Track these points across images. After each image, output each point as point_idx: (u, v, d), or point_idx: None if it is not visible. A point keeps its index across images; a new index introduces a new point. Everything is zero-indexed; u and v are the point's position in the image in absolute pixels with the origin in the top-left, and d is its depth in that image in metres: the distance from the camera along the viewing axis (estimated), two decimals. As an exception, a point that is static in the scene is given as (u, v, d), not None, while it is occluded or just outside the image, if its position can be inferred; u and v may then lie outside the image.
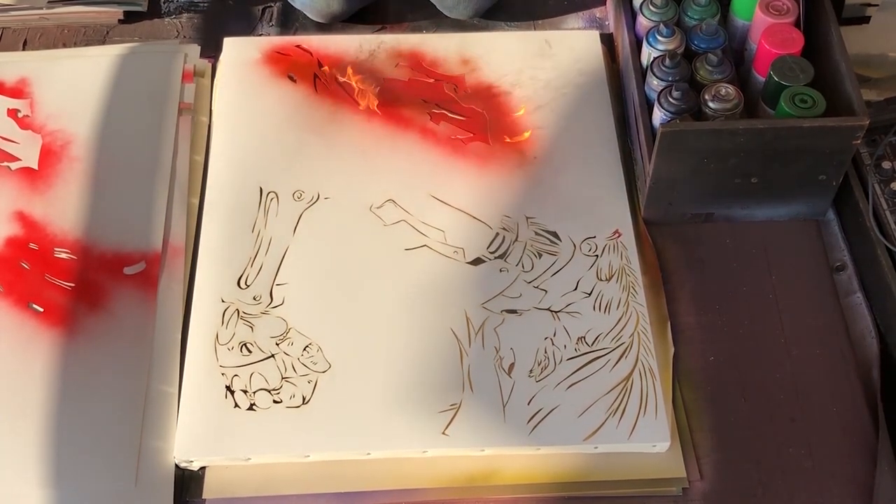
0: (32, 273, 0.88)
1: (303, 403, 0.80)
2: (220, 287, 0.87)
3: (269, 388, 0.81)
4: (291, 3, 1.07)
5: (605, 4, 1.09)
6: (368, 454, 0.79)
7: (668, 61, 0.88)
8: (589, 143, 0.95)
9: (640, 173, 0.92)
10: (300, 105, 0.98)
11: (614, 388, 0.81)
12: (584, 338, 0.84)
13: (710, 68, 0.88)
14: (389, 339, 0.84)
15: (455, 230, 0.90)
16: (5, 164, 0.94)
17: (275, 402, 0.80)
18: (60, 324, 0.85)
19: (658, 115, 0.88)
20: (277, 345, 0.83)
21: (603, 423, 0.79)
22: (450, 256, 0.88)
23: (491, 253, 0.89)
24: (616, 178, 0.93)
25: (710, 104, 0.86)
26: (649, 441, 0.79)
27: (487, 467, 0.79)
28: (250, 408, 0.80)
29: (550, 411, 0.80)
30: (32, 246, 0.89)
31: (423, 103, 0.99)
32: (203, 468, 0.79)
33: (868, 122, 0.82)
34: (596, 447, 0.79)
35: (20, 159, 0.94)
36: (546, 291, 0.86)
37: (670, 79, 0.88)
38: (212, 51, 1.04)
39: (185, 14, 1.10)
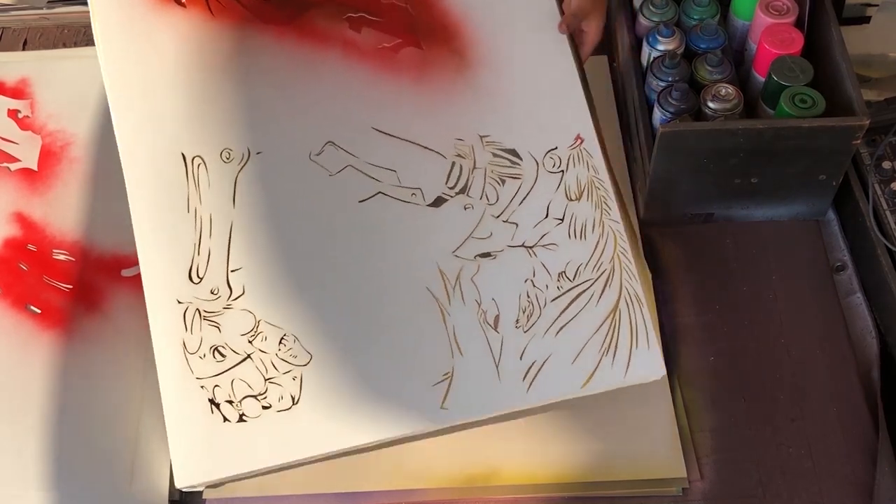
0: (31, 274, 0.87)
1: (293, 404, 0.76)
2: (171, 285, 0.78)
3: (255, 393, 0.76)
4: None
5: (604, 5, 1.09)
6: (373, 443, 0.76)
7: (667, 61, 0.88)
8: (536, 39, 0.85)
9: (640, 173, 0.92)
10: (197, 36, 0.84)
11: (603, 323, 0.78)
12: (565, 272, 0.80)
13: (709, 68, 0.88)
14: (366, 314, 0.78)
15: (407, 167, 0.82)
16: (5, 164, 0.94)
17: (264, 407, 0.76)
18: (58, 325, 0.85)
19: (658, 116, 0.87)
20: (250, 342, 0.77)
21: (598, 365, 0.77)
22: (408, 200, 0.81)
23: (451, 189, 0.82)
24: (569, 76, 0.84)
25: (710, 104, 0.86)
26: (645, 374, 0.77)
27: (488, 467, 0.79)
28: (240, 419, 0.76)
29: (544, 362, 0.77)
30: (31, 247, 0.89)
31: (338, 9, 0.86)
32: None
33: (868, 122, 0.82)
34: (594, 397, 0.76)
35: (20, 160, 0.94)
36: (517, 224, 0.81)
37: (670, 79, 0.88)
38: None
39: (185, 15, 1.09)
